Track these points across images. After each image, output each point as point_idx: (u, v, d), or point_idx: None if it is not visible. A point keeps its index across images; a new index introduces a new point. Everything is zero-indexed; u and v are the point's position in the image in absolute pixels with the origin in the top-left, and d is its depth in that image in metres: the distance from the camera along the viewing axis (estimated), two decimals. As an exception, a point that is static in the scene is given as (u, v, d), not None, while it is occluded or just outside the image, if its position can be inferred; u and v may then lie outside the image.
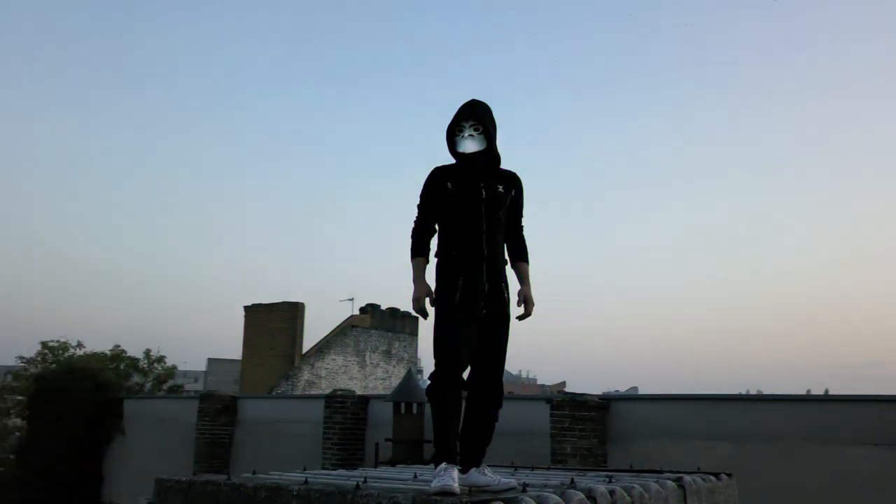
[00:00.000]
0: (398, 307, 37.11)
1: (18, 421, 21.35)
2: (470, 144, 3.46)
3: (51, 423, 15.12)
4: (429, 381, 3.27)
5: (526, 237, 3.73)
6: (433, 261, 3.50)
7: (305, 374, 31.05)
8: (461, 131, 3.47)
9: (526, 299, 3.57)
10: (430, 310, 3.42)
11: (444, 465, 3.04)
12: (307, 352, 31.45)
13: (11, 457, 17.86)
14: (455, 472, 3.00)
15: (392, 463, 8.87)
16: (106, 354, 26.46)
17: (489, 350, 3.38)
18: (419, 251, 3.51)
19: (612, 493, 2.85)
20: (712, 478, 3.67)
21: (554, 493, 2.71)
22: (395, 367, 36.11)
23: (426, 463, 8.87)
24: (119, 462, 15.00)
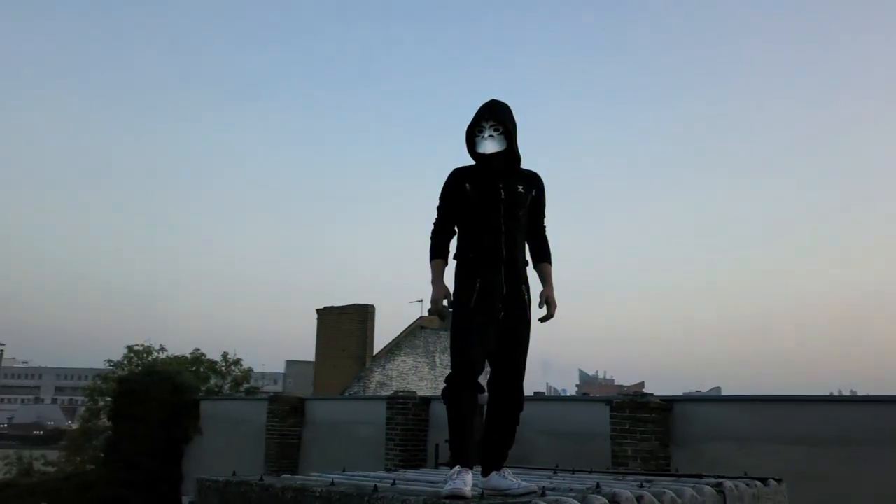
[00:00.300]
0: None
1: (108, 421, 22.44)
2: (490, 145, 3.40)
3: (133, 423, 15.84)
4: (444, 384, 3.27)
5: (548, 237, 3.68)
6: (453, 263, 3.49)
7: (377, 376, 31.46)
8: (481, 131, 3.42)
9: (548, 301, 3.49)
10: (450, 312, 3.41)
11: (457, 468, 3.01)
12: (378, 353, 31.86)
13: (101, 455, 18.78)
14: (468, 476, 2.98)
15: (451, 465, 8.86)
16: (186, 357, 27.54)
17: (508, 353, 3.32)
18: (437, 253, 3.49)
19: (639, 498, 2.75)
20: (758, 483, 3.49)
21: (575, 497, 2.63)
22: (465, 368, 36.24)
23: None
24: (196, 461, 15.56)
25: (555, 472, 4.38)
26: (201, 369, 27.42)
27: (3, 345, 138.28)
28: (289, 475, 3.62)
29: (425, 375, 33.85)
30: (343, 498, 2.70)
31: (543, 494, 2.84)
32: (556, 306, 3.52)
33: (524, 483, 3.14)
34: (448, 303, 3.38)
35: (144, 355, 26.78)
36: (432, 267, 3.46)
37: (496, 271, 3.32)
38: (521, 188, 3.46)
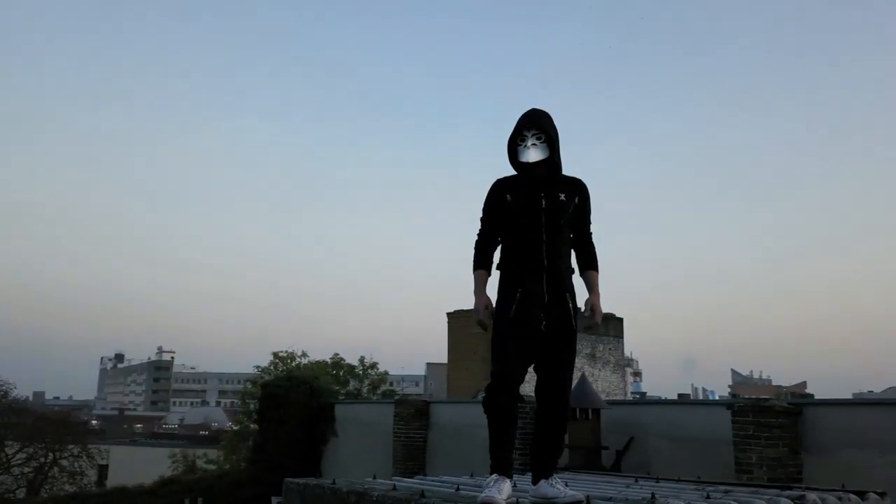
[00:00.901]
0: (601, 308, 36.40)
1: (254, 424, 23.98)
2: (534, 153, 3.37)
3: (276, 425, 16.83)
4: (484, 393, 3.25)
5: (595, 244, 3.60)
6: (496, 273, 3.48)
7: (509, 379, 31.54)
8: (523, 140, 3.39)
9: (593, 308, 3.43)
10: (492, 322, 3.40)
11: (494, 476, 2.99)
12: (510, 356, 31.92)
13: (249, 455, 20.09)
14: (505, 485, 2.94)
15: (569, 469, 8.74)
16: (326, 362, 28.94)
17: (551, 363, 3.29)
18: (480, 264, 3.50)
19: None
20: (853, 496, 3.16)
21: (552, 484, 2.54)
22: (600, 370, 35.43)
23: (602, 470, 8.61)
24: (333, 462, 16.29)
25: (636, 480, 4.22)
26: (341, 373, 28.75)
27: (174, 353, 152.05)
28: (370, 479, 3.74)
29: (559, 378, 33.53)
30: (393, 502, 2.76)
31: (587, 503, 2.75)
32: (601, 314, 3.44)
33: (570, 492, 3.08)
34: (490, 313, 3.38)
35: (289, 361, 28.43)
36: (475, 277, 3.48)
37: (538, 280, 3.30)
38: (562, 196, 3.42)
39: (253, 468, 17.38)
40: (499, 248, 3.52)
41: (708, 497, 2.96)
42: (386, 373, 30.97)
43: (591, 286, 3.53)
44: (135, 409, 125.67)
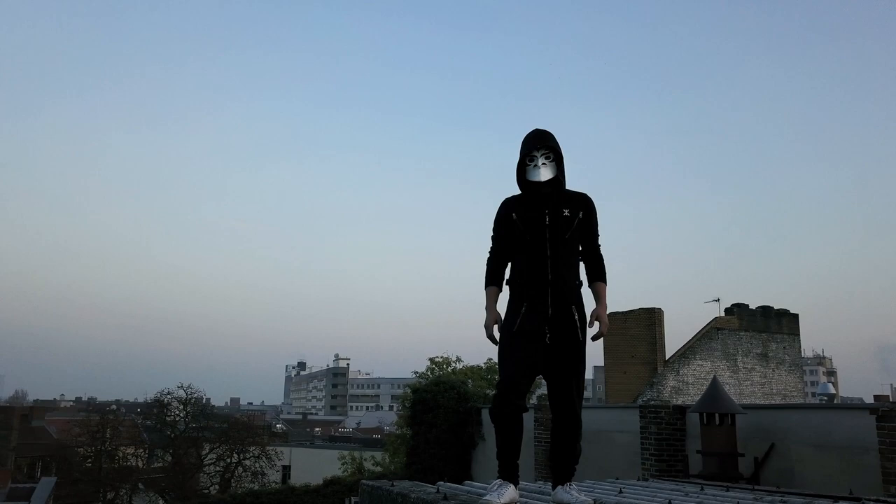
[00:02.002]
0: (771, 305, 33.92)
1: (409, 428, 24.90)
2: (544, 172, 3.46)
3: (426, 429, 17.44)
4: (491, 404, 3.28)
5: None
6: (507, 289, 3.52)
7: (671, 381, 30.23)
8: (532, 160, 3.45)
9: (598, 319, 3.41)
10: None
11: (498, 481, 3.02)
12: (670, 358, 30.62)
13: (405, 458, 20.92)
14: (508, 490, 2.97)
15: (703, 476, 8.39)
16: (481, 367, 29.42)
17: (558, 374, 3.30)
18: (491, 280, 3.58)
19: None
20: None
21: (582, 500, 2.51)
22: (773, 370, 32.97)
23: (739, 478, 8.16)
24: (483, 465, 16.58)
25: (702, 488, 4.03)
26: (495, 377, 29.08)
27: (349, 360, 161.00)
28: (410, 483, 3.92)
29: (727, 380, 31.57)
30: (417, 502, 2.91)
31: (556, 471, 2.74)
32: (607, 324, 3.38)
33: (583, 498, 3.03)
34: (499, 328, 3.42)
35: (444, 366, 29.25)
36: (486, 294, 3.57)
37: (543, 294, 3.36)
38: (566, 211, 3.47)
39: (408, 470, 18.08)
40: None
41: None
42: (540, 378, 30.89)
43: (598, 297, 3.56)
44: (316, 414, 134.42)
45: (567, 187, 3.56)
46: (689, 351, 31.49)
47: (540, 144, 3.45)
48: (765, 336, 32.93)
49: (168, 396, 33.41)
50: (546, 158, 3.45)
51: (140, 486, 33.93)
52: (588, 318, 3.45)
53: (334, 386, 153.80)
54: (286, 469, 43.34)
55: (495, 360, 22.90)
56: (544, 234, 3.44)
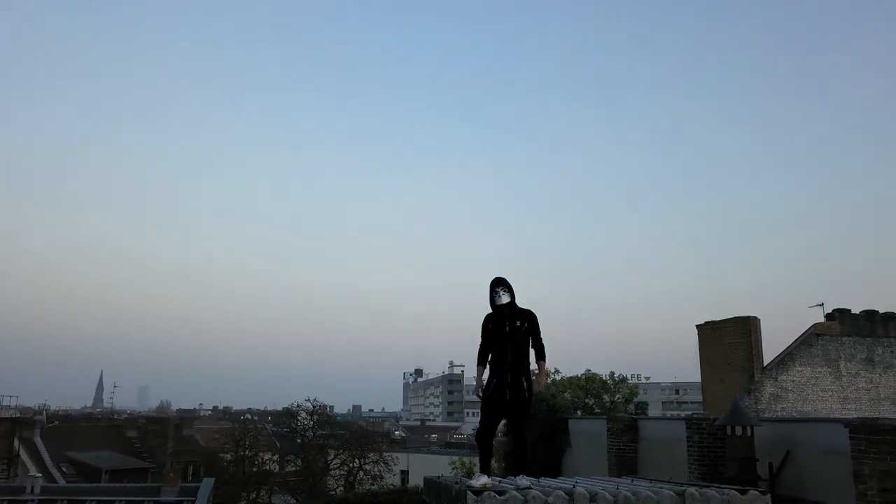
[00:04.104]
0: (876, 310, 33.42)
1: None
2: (504, 298, 5.78)
3: (520, 437, 19.58)
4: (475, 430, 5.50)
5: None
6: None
7: (768, 388, 30.64)
8: (496, 293, 5.70)
9: (538, 382, 5.50)
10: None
11: (479, 474, 5.24)
12: (768, 365, 31.04)
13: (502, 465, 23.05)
14: (483, 478, 5.21)
15: (728, 479, 10.16)
16: (580, 378, 31.13)
17: (512, 416, 5.48)
18: (479, 363, 5.88)
19: (593, 496, 4.62)
20: (732, 491, 4.73)
21: (541, 492, 4.68)
22: (881, 375, 32.50)
23: (757, 480, 9.85)
24: (570, 470, 18.51)
25: (631, 479, 6.03)
26: (593, 387, 30.72)
27: (463, 366, 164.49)
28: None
29: (828, 386, 31.57)
30: (442, 488, 5.18)
31: (529, 488, 4.91)
32: (542, 385, 5.51)
33: (525, 482, 5.22)
34: (480, 392, 5.69)
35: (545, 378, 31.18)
36: (476, 371, 5.84)
37: (505, 372, 5.59)
38: (518, 323, 5.70)
39: (504, 474, 20.28)
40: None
41: (617, 488, 4.87)
42: (636, 386, 32.23)
43: (540, 370, 5.83)
44: (434, 420, 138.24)
45: (520, 305, 5.81)
46: (787, 358, 31.68)
47: (500, 284, 5.92)
48: (870, 341, 32.52)
49: (297, 407, 37.18)
50: (504, 292, 5.84)
51: (276, 487, 37.96)
52: (533, 383, 5.72)
53: (450, 392, 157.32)
54: (404, 473, 46.56)
55: (593, 371, 25.43)
56: (506, 337, 5.80)
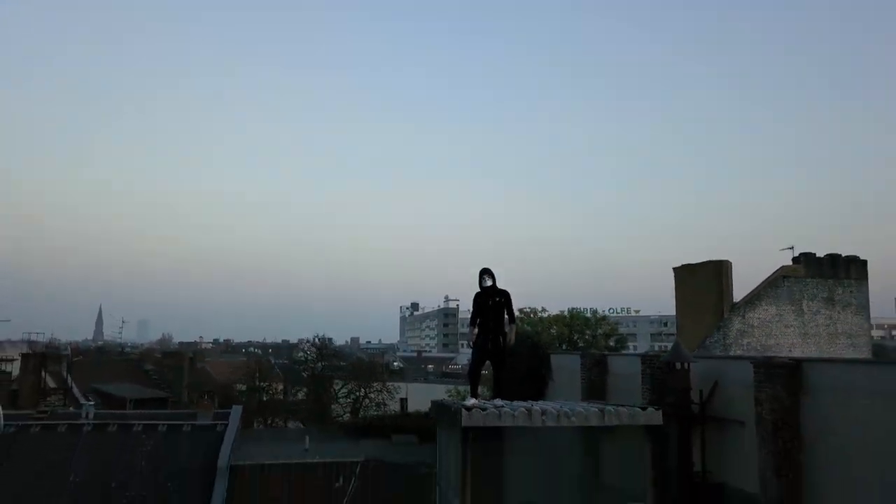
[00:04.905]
0: (839, 254, 36.09)
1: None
2: (488, 282, 8.25)
3: (508, 370, 22.42)
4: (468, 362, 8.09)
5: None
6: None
7: (736, 325, 33.59)
8: (483, 279, 8.18)
9: (510, 338, 8.07)
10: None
11: (470, 398, 7.83)
12: (737, 304, 33.89)
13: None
14: (473, 400, 7.79)
15: (670, 404, 12.86)
16: (565, 315, 34.05)
17: (493, 359, 8.05)
18: (472, 325, 8.41)
19: (544, 411, 7.22)
20: (636, 409, 7.34)
21: (509, 409, 7.29)
22: (839, 313, 35.45)
23: (693, 406, 12.49)
24: (552, 396, 21.42)
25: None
26: (576, 323, 33.68)
27: (458, 300, 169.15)
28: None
29: (791, 322, 34.54)
30: (442, 407, 7.79)
31: (501, 407, 7.51)
32: (510, 340, 8.07)
33: (500, 402, 7.83)
34: (472, 343, 8.24)
35: (532, 315, 34.08)
36: (471, 330, 8.35)
37: (488, 332, 8.11)
38: (497, 299, 8.18)
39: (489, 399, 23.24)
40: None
41: (562, 407, 7.47)
42: (616, 324, 35.21)
43: (511, 330, 8.28)
44: (429, 352, 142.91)
45: (498, 286, 8.32)
46: (755, 297, 34.49)
47: (485, 273, 8.48)
48: (831, 282, 35.29)
49: (306, 343, 40.19)
50: (488, 277, 8.42)
51: (287, 415, 41.32)
52: (506, 339, 8.29)
53: (445, 325, 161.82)
54: (403, 401, 50.12)
55: (578, 309, 29.21)
56: (488, 309, 8.34)
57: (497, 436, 7.68)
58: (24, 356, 39.92)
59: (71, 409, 24.09)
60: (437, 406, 8.99)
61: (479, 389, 8.80)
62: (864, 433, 9.37)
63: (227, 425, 20.80)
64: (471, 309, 8.82)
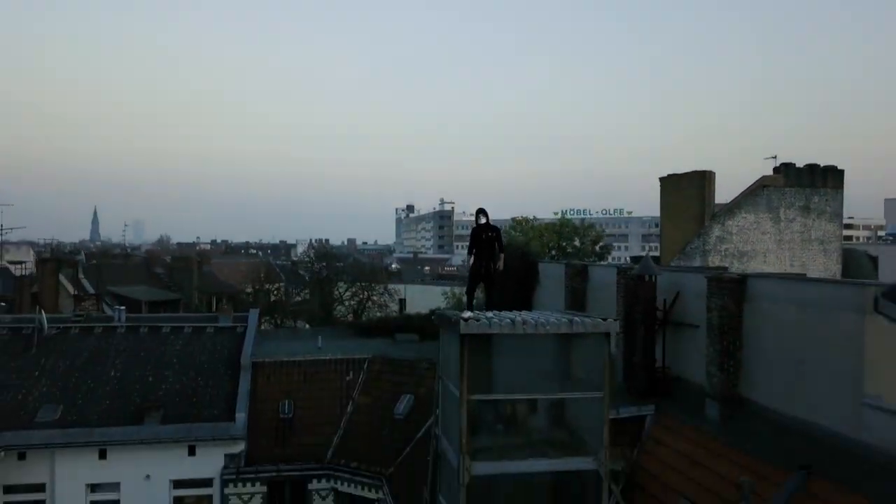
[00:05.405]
0: (818, 163, 37.72)
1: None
2: (482, 220, 10.06)
3: (501, 275, 24.58)
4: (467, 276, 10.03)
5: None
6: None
7: (716, 232, 35.72)
8: (478, 217, 10.01)
9: (497, 265, 9.95)
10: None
11: (466, 311, 9.83)
12: (717, 212, 35.83)
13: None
14: (468, 313, 9.78)
15: (637, 311, 14.96)
16: (555, 223, 36.00)
17: (486, 282, 9.97)
18: (469, 254, 10.26)
19: (524, 321, 9.21)
20: (598, 319, 9.34)
21: (497, 319, 9.30)
22: (814, 220, 37.52)
23: (658, 313, 14.58)
24: (539, 304, 23.67)
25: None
26: (565, 230, 35.71)
27: (454, 203, 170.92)
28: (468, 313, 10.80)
29: (768, 229, 36.67)
30: (447, 315, 9.80)
31: (489, 317, 9.52)
32: (499, 266, 9.96)
33: (490, 314, 9.82)
34: (470, 266, 10.15)
35: (524, 223, 36.04)
36: (467, 258, 10.22)
37: (481, 259, 10.01)
38: (489, 234, 10.00)
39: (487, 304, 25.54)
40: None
41: (539, 317, 9.47)
42: (602, 231, 37.25)
43: (499, 258, 10.14)
44: (425, 253, 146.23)
45: (491, 222, 10.10)
46: (735, 206, 36.41)
47: (480, 212, 10.28)
48: (808, 191, 37.10)
49: (304, 247, 42.31)
50: (482, 215, 10.19)
51: (290, 315, 44.00)
52: (496, 265, 10.19)
53: (441, 227, 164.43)
54: (402, 302, 52.98)
55: (568, 213, 32.33)
56: (482, 242, 10.19)
57: (488, 340, 9.67)
58: (41, 261, 42.09)
59: (104, 313, 26.31)
60: (440, 316, 10.98)
61: (474, 304, 10.81)
62: (785, 331, 11.47)
63: (246, 327, 23.07)
64: (469, 239, 10.84)
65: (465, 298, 13.34)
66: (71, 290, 41.70)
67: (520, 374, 10.15)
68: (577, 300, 19.70)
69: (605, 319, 9.69)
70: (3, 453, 18.23)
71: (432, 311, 30.20)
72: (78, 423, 19.28)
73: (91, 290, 40.71)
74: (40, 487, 19.00)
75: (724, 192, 37.06)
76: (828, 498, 9.29)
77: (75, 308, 24.97)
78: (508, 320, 9.58)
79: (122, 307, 24.11)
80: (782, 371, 11.57)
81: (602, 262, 22.54)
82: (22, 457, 18.78)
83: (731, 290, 12.63)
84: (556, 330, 9.49)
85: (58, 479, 18.92)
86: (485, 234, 10.59)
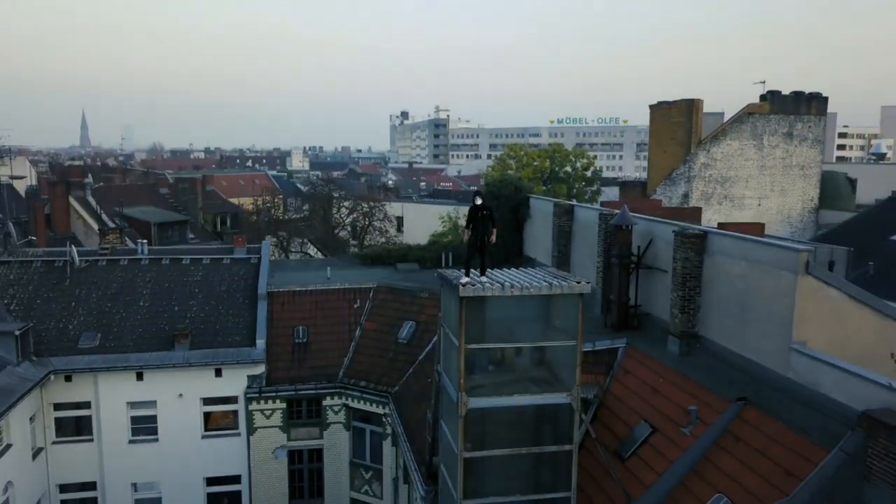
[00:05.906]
0: (803, 91, 38.87)
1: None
2: (478, 201, 11.86)
3: (495, 209, 26.42)
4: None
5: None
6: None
7: (701, 159, 37.45)
8: (475, 199, 11.84)
9: (492, 238, 11.84)
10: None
11: (462, 276, 11.80)
12: (704, 139, 37.33)
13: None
14: (465, 278, 11.75)
15: (615, 255, 16.94)
16: (547, 149, 37.47)
17: (480, 252, 11.89)
18: (466, 227, 12.08)
19: (512, 284, 11.19)
20: (574, 281, 11.32)
21: (489, 282, 11.29)
22: (796, 147, 39.15)
23: (630, 255, 16.55)
24: (529, 237, 25.62)
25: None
26: (557, 156, 37.24)
27: (449, 111, 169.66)
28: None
29: (751, 156, 38.47)
30: (449, 278, 11.79)
31: (481, 281, 11.51)
32: (493, 240, 11.84)
33: (484, 279, 11.79)
34: (467, 239, 12.03)
35: (518, 150, 37.50)
36: (464, 232, 12.09)
37: (477, 233, 11.88)
38: (484, 212, 11.84)
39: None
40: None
41: (522, 278, 11.45)
42: (595, 157, 38.79)
43: (492, 232, 12.00)
44: (420, 163, 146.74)
45: (485, 202, 11.91)
46: (720, 133, 37.97)
47: (476, 194, 12.07)
48: (792, 118, 38.51)
49: (309, 177, 43.85)
50: (479, 197, 11.95)
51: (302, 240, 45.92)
52: (489, 238, 12.06)
53: (436, 136, 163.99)
54: (399, 220, 54.97)
55: (565, 123, 35.02)
56: (478, 219, 11.98)
57: (482, 301, 11.66)
58: (52, 184, 43.59)
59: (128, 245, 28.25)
60: (442, 276, 12.93)
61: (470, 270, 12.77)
62: (736, 282, 13.50)
63: (260, 258, 25.07)
64: (466, 216, 12.55)
65: (464, 244, 15.19)
66: (81, 211, 43.48)
67: (508, 325, 12.22)
68: (562, 238, 21.63)
69: (578, 282, 11.68)
70: (52, 376, 20.59)
71: (431, 241, 32.44)
72: (116, 349, 21.59)
73: (104, 214, 42.42)
74: (86, 405, 21.50)
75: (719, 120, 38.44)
76: (758, 425, 11.56)
77: (101, 241, 26.83)
78: (498, 284, 11.53)
79: (144, 241, 26.00)
80: (731, 315, 13.67)
81: (587, 205, 24.17)
82: (68, 378, 21.16)
83: (694, 244, 14.56)
84: (538, 293, 11.48)
85: (102, 399, 21.39)
86: (480, 213, 12.30)
